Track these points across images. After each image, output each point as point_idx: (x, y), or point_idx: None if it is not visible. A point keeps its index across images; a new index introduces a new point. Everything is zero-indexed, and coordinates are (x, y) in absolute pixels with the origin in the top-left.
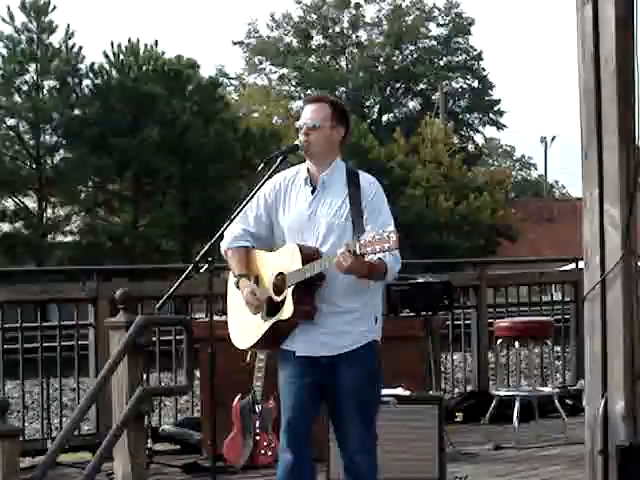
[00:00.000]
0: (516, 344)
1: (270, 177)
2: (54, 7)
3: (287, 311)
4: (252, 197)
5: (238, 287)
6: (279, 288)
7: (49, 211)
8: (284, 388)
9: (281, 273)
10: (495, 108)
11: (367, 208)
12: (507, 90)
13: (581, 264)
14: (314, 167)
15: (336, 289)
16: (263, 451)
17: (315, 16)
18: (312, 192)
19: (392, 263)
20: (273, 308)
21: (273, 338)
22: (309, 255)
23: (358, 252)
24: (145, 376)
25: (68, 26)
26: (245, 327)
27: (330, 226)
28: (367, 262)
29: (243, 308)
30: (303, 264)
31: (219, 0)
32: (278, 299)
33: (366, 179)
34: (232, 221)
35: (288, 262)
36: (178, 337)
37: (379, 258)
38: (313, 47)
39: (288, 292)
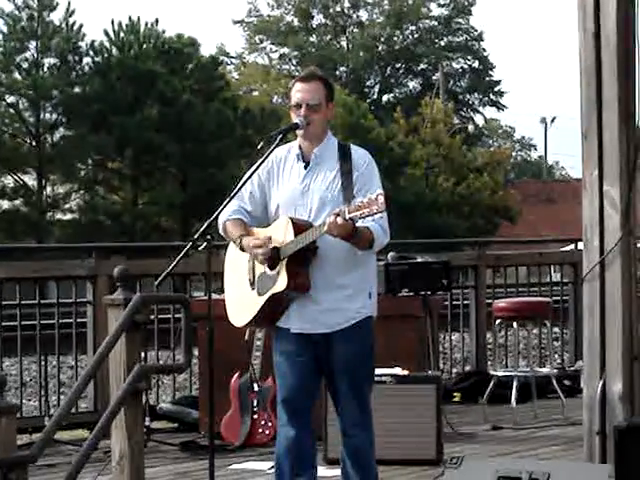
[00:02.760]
0: (514, 325)
1: (269, 155)
2: None
3: (281, 283)
4: (251, 175)
5: (242, 249)
6: (273, 262)
7: (48, 189)
8: (280, 365)
9: (275, 247)
10: (495, 89)
11: (358, 180)
12: (507, 71)
13: (580, 245)
14: (307, 144)
15: (330, 264)
16: (261, 429)
17: None
18: (305, 167)
19: (379, 234)
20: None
21: (269, 314)
22: (302, 227)
23: (347, 217)
24: (143, 354)
25: (69, 4)
26: (241, 304)
27: (323, 199)
28: (355, 226)
29: (240, 285)
30: (296, 236)
31: None
32: (272, 272)
33: (358, 152)
34: (231, 199)
35: (281, 235)
36: (177, 315)
37: (367, 227)
38: (314, 26)
39: (282, 264)
